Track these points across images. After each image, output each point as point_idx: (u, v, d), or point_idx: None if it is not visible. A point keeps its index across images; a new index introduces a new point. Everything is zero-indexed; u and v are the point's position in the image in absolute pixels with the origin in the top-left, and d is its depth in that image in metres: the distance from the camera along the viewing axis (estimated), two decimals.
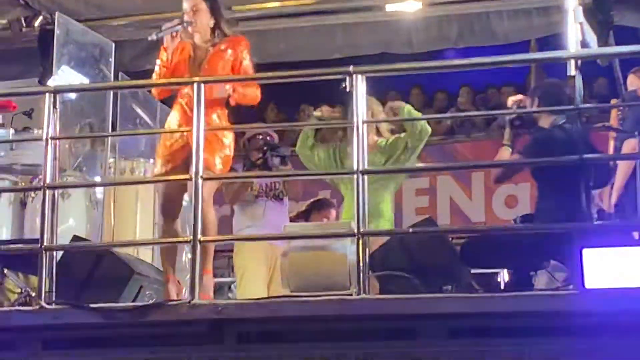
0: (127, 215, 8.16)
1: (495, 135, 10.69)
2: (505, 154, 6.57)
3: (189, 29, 6.57)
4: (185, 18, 6.58)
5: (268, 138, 7.85)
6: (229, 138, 6.59)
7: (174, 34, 6.55)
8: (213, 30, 6.66)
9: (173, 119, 6.60)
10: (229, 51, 6.59)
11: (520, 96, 6.84)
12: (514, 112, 6.61)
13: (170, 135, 6.55)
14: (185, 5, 6.62)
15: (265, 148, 7.72)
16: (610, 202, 7.53)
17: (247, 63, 6.62)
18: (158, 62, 6.65)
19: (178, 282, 6.48)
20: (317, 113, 7.36)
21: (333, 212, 8.32)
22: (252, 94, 6.61)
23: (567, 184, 5.95)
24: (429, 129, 7.21)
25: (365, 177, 5.83)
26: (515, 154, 6.47)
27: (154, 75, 6.68)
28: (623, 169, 7.19)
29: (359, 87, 5.92)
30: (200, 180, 5.96)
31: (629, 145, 7.12)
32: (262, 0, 8.91)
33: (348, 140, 7.26)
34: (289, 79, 6.55)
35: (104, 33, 9.23)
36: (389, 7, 9.34)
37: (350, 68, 5.99)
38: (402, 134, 7.26)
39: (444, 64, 6.78)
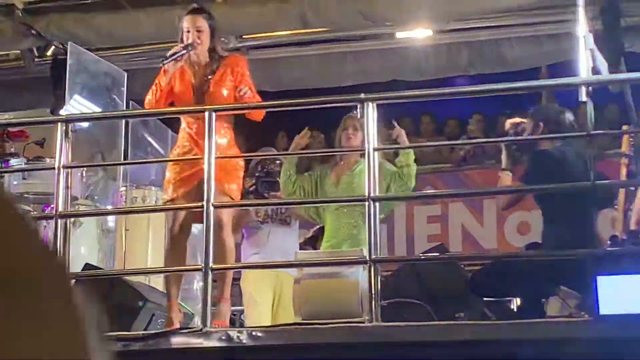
0: (138, 244, 8.16)
1: None
2: (506, 179, 6.54)
3: (193, 51, 6.42)
4: (189, 40, 6.44)
5: (277, 162, 7.81)
6: (241, 162, 6.60)
7: (179, 58, 6.49)
8: (210, 52, 6.54)
9: (181, 146, 6.55)
10: (229, 75, 6.47)
11: (517, 119, 6.79)
12: (524, 139, 6.58)
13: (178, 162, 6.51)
14: (188, 25, 6.46)
15: (257, 174, 7.69)
16: (624, 225, 7.48)
17: (247, 78, 6.49)
18: (156, 82, 6.53)
19: (179, 310, 6.43)
20: (294, 145, 7.29)
21: None
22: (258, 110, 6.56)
23: (571, 206, 5.95)
24: (413, 183, 7.03)
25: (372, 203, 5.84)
26: (516, 181, 6.45)
27: (149, 95, 6.54)
28: None
29: (370, 114, 5.94)
30: (211, 208, 5.96)
31: None
32: (273, 28, 8.92)
33: (328, 165, 7.28)
34: (300, 107, 6.56)
35: (116, 62, 9.27)
36: (400, 35, 9.39)
37: (362, 95, 6.02)
38: (388, 165, 7.14)
39: (454, 90, 6.80)
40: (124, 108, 8.94)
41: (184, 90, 6.52)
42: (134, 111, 8.59)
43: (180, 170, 6.44)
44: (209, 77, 6.49)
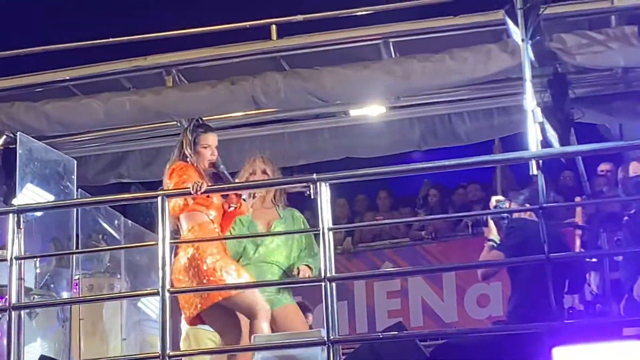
0: (94, 333, 8.05)
1: (463, 236, 10.73)
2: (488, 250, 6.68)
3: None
4: (214, 156, 6.72)
5: None
6: None
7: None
8: None
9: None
10: None
11: (501, 197, 6.94)
12: (475, 214, 6.70)
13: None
14: (212, 144, 6.74)
15: None
16: (580, 296, 7.51)
17: None
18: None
19: None
20: None
21: (310, 317, 8.12)
22: None
23: (536, 278, 6.01)
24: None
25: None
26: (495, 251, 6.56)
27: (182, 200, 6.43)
28: None
29: (324, 194, 5.93)
30: (167, 294, 5.91)
31: None
32: (225, 110, 8.92)
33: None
34: (256, 189, 6.57)
35: (65, 149, 9.21)
36: (353, 112, 9.39)
37: (314, 176, 6.02)
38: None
39: (407, 168, 6.76)
40: (75, 195, 8.87)
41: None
42: (86, 199, 8.50)
43: None
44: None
